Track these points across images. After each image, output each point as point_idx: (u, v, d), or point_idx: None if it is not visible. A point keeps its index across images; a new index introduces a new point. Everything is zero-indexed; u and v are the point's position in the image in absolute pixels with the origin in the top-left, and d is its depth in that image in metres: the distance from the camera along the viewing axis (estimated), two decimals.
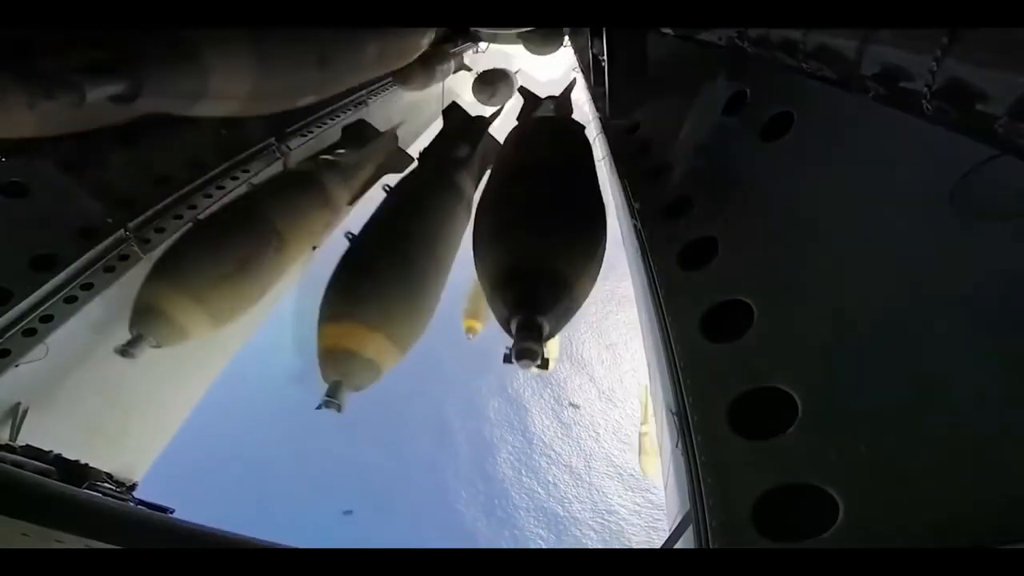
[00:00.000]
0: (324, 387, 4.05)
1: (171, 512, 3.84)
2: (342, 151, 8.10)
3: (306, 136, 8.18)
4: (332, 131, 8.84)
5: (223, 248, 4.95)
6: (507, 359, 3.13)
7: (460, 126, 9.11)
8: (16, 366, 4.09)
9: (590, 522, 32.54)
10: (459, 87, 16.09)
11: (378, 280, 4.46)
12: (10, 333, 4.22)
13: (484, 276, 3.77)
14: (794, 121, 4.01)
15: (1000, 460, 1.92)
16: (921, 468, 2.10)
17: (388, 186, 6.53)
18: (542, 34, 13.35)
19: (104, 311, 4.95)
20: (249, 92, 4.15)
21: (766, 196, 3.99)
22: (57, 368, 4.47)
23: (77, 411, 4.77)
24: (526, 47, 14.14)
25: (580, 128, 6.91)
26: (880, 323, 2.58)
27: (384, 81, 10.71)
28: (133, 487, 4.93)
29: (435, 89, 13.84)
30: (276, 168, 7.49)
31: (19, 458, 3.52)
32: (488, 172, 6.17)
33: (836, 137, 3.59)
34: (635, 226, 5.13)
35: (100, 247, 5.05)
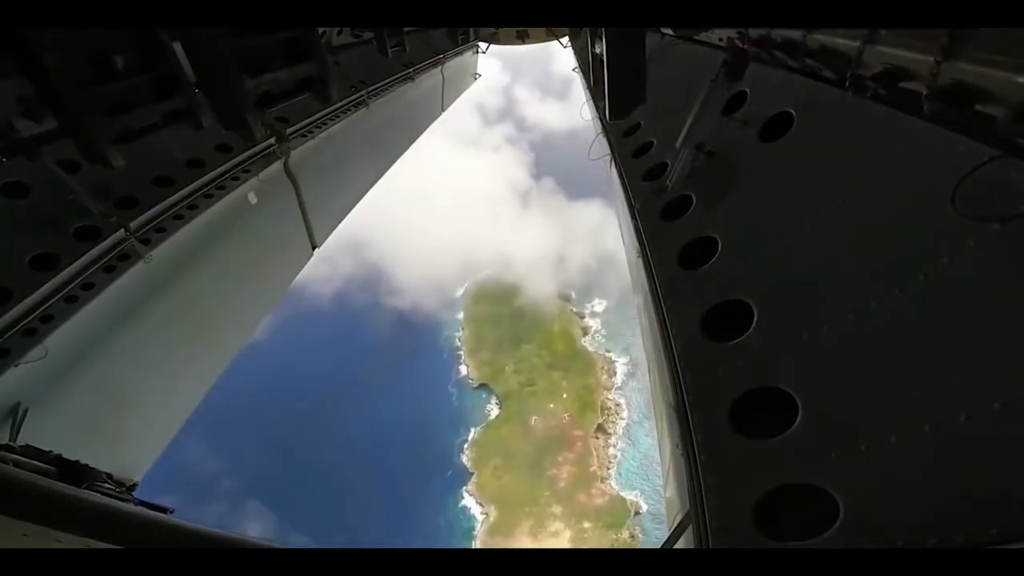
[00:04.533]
0: None
1: (171, 512, 3.84)
2: None
3: (307, 136, 8.19)
4: (333, 131, 8.84)
5: None
6: None
7: None
8: (16, 366, 4.09)
9: None
10: (458, 86, 16.11)
11: None
12: (10, 333, 4.22)
13: None
14: (794, 121, 4.02)
15: (999, 461, 1.92)
16: (920, 468, 2.10)
17: None
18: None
19: (104, 311, 4.96)
20: None
21: (766, 196, 3.99)
22: (57, 368, 4.47)
23: (77, 411, 4.77)
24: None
25: None
26: (881, 323, 2.58)
27: (384, 82, 10.72)
28: (133, 487, 4.92)
29: (435, 89, 13.86)
30: (277, 168, 7.49)
31: (19, 458, 3.52)
32: None
33: (836, 137, 3.60)
34: (635, 226, 5.13)
35: (100, 247, 5.05)
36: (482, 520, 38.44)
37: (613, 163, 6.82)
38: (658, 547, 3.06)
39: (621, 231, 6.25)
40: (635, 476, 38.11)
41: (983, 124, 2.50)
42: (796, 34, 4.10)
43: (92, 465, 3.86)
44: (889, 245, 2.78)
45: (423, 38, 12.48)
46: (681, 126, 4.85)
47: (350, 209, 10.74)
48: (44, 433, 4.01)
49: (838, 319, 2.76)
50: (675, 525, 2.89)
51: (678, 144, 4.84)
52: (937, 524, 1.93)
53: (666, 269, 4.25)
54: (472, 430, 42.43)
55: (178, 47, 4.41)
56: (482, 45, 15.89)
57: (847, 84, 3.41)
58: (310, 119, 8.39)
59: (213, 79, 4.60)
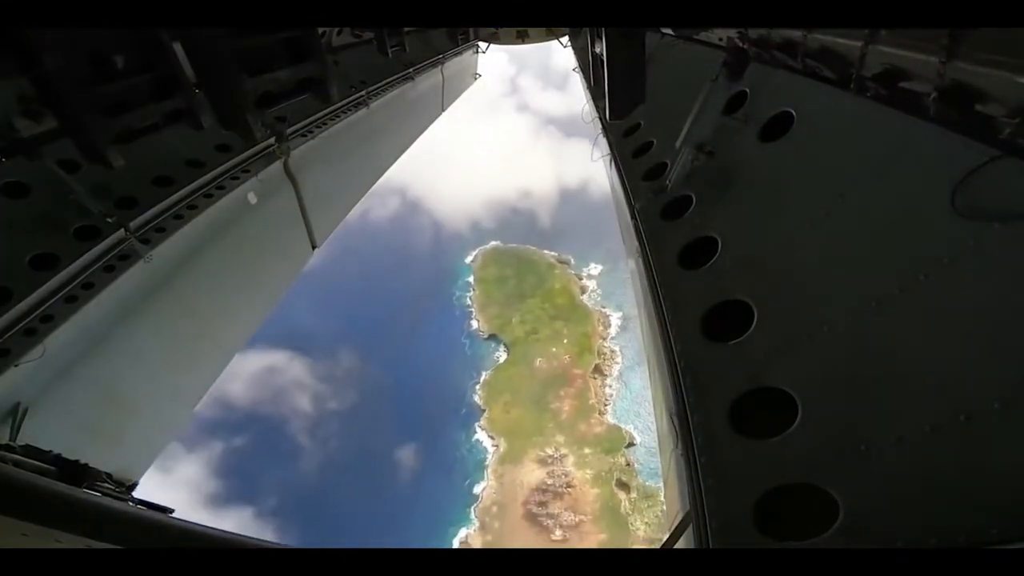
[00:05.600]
0: None
1: (171, 512, 3.84)
2: None
3: (307, 136, 8.18)
4: (333, 131, 8.85)
5: None
6: None
7: None
8: (16, 365, 4.09)
9: None
10: (458, 86, 16.11)
11: None
12: (10, 333, 4.22)
13: None
14: (794, 121, 4.02)
15: (999, 461, 1.92)
16: (920, 468, 2.10)
17: None
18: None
19: (104, 311, 4.95)
20: None
21: (766, 196, 3.99)
22: (57, 368, 4.47)
23: (77, 411, 4.77)
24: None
25: None
26: (881, 323, 2.58)
27: (384, 82, 10.72)
28: (133, 487, 4.93)
29: (435, 89, 13.86)
30: (277, 168, 7.49)
31: (19, 458, 3.52)
32: None
33: (836, 137, 3.60)
34: (635, 226, 5.13)
35: (100, 247, 5.04)
36: (493, 451, 42.64)
37: (613, 163, 6.82)
38: (658, 547, 3.07)
39: (621, 231, 6.24)
40: (629, 413, 42.45)
41: (983, 124, 2.50)
42: (796, 34, 4.10)
43: (92, 465, 3.86)
44: (889, 245, 2.78)
45: (423, 38, 12.47)
46: (681, 126, 4.84)
47: (350, 209, 10.73)
48: (44, 433, 4.01)
49: (838, 319, 2.76)
50: (675, 525, 2.89)
51: (678, 144, 4.84)
52: (937, 524, 1.93)
53: (666, 269, 4.25)
54: (483, 373, 47.02)
55: (178, 47, 4.42)
56: (482, 45, 15.88)
57: (848, 84, 3.42)
58: (310, 119, 8.38)
59: (213, 79, 4.60)
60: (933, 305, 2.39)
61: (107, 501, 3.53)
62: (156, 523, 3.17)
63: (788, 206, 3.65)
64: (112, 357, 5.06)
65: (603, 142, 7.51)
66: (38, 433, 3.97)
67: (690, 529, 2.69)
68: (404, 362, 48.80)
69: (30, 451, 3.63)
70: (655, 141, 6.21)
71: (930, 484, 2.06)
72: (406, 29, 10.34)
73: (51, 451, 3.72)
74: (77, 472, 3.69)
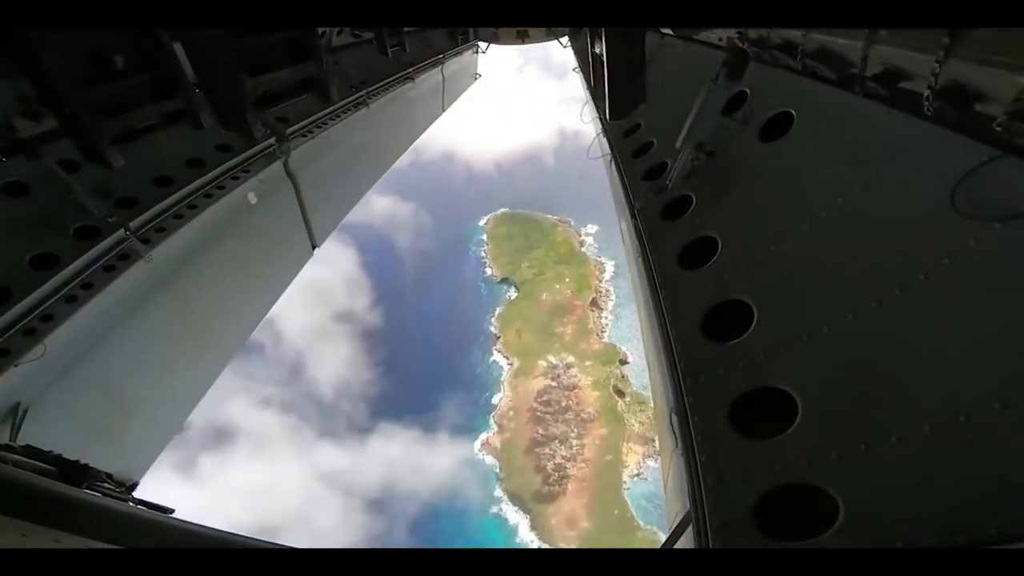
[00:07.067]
0: None
1: (171, 512, 3.85)
2: None
3: (307, 136, 8.18)
4: (333, 131, 8.84)
5: None
6: None
7: None
8: (16, 365, 4.08)
9: None
10: (458, 86, 16.12)
11: None
12: (10, 333, 4.21)
13: None
14: (794, 121, 4.02)
15: (999, 461, 1.92)
16: (920, 468, 2.10)
17: None
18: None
19: (104, 311, 4.95)
20: None
21: (766, 196, 3.99)
22: (57, 368, 4.47)
23: (77, 411, 4.77)
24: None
25: None
26: (881, 323, 2.58)
27: (384, 82, 10.71)
28: (133, 487, 4.93)
29: (435, 89, 13.86)
30: (277, 168, 7.49)
31: (19, 458, 3.52)
32: None
33: (836, 137, 3.60)
34: (635, 226, 5.13)
35: (100, 247, 5.04)
36: (507, 369, 52.78)
37: (613, 163, 6.82)
38: (658, 537, 3.07)
39: (621, 231, 6.25)
40: (623, 338, 51.73)
41: (983, 124, 2.50)
42: (796, 34, 4.10)
43: (92, 465, 3.86)
44: (889, 245, 2.78)
45: (423, 38, 12.47)
46: (681, 126, 4.84)
47: (350, 208, 10.73)
48: (44, 433, 4.01)
49: (838, 319, 2.75)
50: (675, 525, 2.89)
51: (678, 144, 4.84)
52: (937, 524, 1.93)
53: (666, 269, 4.25)
54: (498, 309, 58.15)
55: (178, 47, 4.42)
56: (482, 45, 15.88)
57: (848, 84, 3.41)
58: (310, 119, 8.37)
59: (213, 79, 4.62)
60: (933, 305, 2.39)
61: (107, 501, 3.53)
62: (156, 523, 3.18)
63: (788, 206, 3.65)
64: (112, 357, 5.06)
65: (603, 142, 7.51)
66: (38, 433, 3.97)
67: (690, 529, 2.69)
68: (428, 304, 61.36)
69: (30, 451, 3.63)
70: (655, 141, 6.21)
71: (930, 484, 2.06)
72: (406, 29, 10.34)
73: (51, 451, 3.72)
74: (77, 472, 3.69)
